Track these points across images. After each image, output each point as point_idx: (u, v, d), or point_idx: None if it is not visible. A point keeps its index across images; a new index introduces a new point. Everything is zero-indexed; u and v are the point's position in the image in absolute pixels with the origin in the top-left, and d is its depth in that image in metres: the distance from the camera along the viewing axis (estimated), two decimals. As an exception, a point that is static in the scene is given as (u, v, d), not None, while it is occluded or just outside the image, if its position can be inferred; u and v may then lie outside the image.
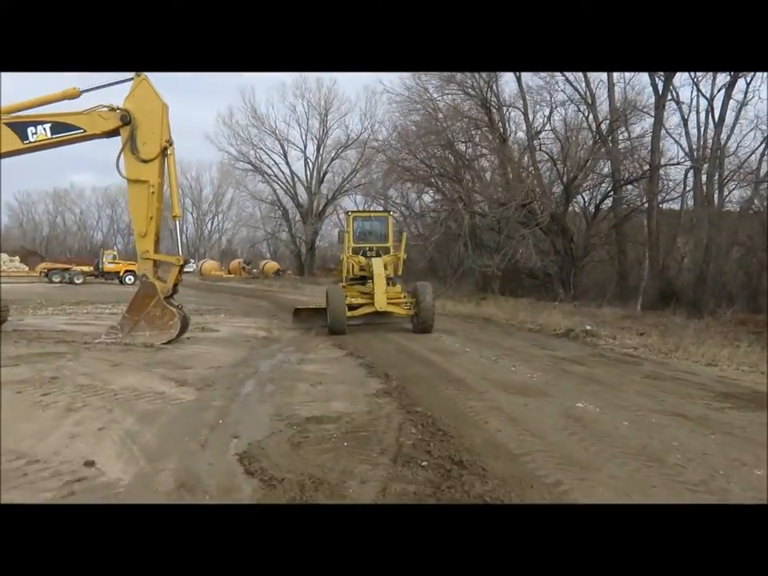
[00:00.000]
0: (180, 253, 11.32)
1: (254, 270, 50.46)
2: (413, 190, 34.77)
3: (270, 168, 46.81)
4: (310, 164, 47.03)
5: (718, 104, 23.28)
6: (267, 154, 46.69)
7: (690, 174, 24.56)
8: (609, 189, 24.29)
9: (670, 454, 4.72)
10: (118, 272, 38.04)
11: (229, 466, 4.32)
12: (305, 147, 47.22)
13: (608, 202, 25.09)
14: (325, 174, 46.43)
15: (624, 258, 25.46)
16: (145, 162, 10.69)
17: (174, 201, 11.23)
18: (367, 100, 71.28)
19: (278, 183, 47.19)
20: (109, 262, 38.11)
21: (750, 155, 24.08)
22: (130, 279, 37.39)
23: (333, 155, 45.53)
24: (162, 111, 10.78)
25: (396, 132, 30.98)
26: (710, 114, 24.17)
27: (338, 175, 47.05)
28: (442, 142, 26.15)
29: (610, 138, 25.09)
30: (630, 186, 24.37)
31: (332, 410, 6.07)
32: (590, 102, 25.72)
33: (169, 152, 10.87)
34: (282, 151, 46.87)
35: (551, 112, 26.42)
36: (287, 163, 47.36)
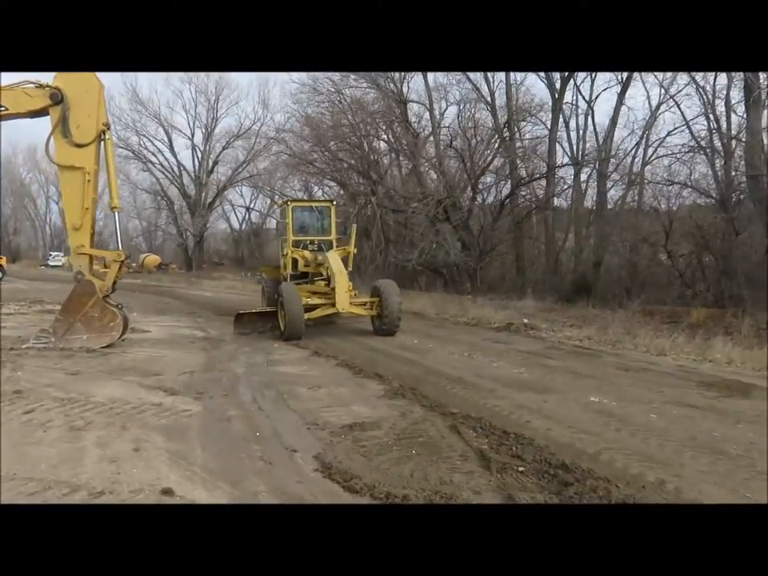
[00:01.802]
0: (120, 247, 10.37)
1: (134, 264, 47.33)
2: (314, 183, 34.45)
3: (155, 155, 44.17)
4: (199, 153, 44.91)
5: (597, 108, 25.06)
6: (150, 141, 44.01)
7: (583, 174, 26.25)
8: (512, 187, 25.20)
9: (724, 444, 4.97)
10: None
11: (321, 484, 3.99)
12: (192, 135, 44.89)
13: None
14: (215, 163, 44.43)
15: (522, 252, 26.72)
16: (79, 146, 9.66)
17: (113, 191, 10.22)
18: (261, 87, 69.43)
19: (162, 172, 44.64)
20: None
21: (625, 157, 26.12)
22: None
23: (224, 144, 43.72)
24: (98, 91, 9.80)
25: (296, 123, 30.44)
26: (591, 116, 26.15)
27: (226, 165, 45.32)
28: (351, 136, 25.97)
29: (507, 138, 26.14)
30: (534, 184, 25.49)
31: (360, 415, 5.81)
32: (489, 101, 26.66)
33: (106, 136, 9.91)
34: (166, 139, 44.38)
35: (447, 109, 27.23)
36: (172, 151, 44.88)
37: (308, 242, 13.45)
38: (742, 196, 20.13)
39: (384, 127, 26.66)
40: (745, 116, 19.98)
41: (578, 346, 10.86)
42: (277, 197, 45.07)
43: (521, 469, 4.23)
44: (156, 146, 44.23)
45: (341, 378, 7.69)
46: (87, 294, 9.69)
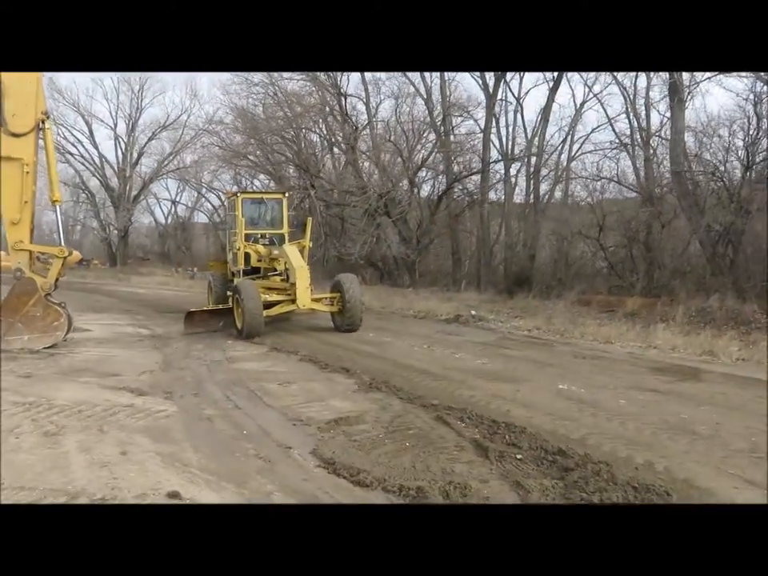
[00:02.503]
0: (62, 243, 9.87)
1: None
2: (245, 176, 33.89)
3: (74, 146, 41.87)
4: (122, 144, 42.94)
5: (526, 105, 25.77)
6: (69, 131, 41.70)
7: (513, 170, 27.00)
8: (447, 182, 25.57)
9: (694, 426, 5.26)
10: None
11: (328, 480, 3.96)
12: (115, 125, 42.79)
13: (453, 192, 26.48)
14: (140, 155, 42.66)
15: (458, 246, 27.22)
16: (16, 136, 9.12)
17: (54, 183, 9.71)
18: (188, 78, 67.35)
19: (82, 164, 42.43)
20: None
21: (553, 152, 27.03)
22: None
23: (149, 135, 42.04)
24: (36, 78, 9.29)
25: (227, 114, 29.85)
26: (521, 113, 26.93)
27: (151, 157, 43.61)
28: (287, 128, 25.60)
29: (443, 133, 26.48)
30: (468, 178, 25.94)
31: (341, 409, 5.80)
32: (425, 97, 26.91)
33: (46, 126, 9.41)
34: (86, 129, 42.19)
35: (382, 102, 27.33)
36: (93, 142, 42.68)
37: (259, 235, 12.81)
38: (663, 190, 21.28)
39: (321, 120, 26.40)
40: (666, 114, 21.22)
41: (529, 336, 11.19)
42: (204, 190, 44.15)
43: (519, 456, 4.34)
44: (75, 137, 42.02)
45: (308, 373, 7.62)
46: (28, 292, 9.21)
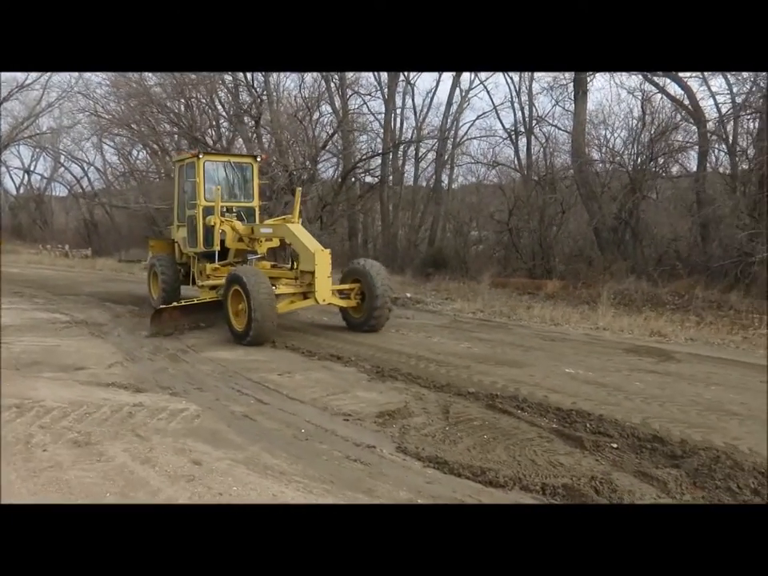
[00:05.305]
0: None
1: None
2: (113, 145, 31.51)
3: None
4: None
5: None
6: None
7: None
8: (345, 164, 25.23)
9: (727, 406, 5.50)
10: None
11: (452, 481, 3.67)
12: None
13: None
14: (-6, 116, 37.79)
15: (358, 228, 27.17)
16: None
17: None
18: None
19: None
20: None
21: (443, 138, 27.54)
22: None
23: (5, 96, 37.22)
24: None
25: (95, 78, 27.32)
26: (411, 96, 27.31)
27: (2, 119, 38.92)
28: (178, 98, 23.88)
29: (340, 111, 26.05)
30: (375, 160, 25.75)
31: (376, 401, 5.48)
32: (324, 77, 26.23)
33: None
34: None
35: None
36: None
37: (225, 209, 10.24)
38: (555, 177, 22.48)
39: (215, 91, 24.86)
40: (559, 103, 22.42)
41: (478, 319, 11.27)
42: (64, 159, 40.27)
43: (614, 446, 4.29)
44: None
45: (298, 362, 7.14)
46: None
